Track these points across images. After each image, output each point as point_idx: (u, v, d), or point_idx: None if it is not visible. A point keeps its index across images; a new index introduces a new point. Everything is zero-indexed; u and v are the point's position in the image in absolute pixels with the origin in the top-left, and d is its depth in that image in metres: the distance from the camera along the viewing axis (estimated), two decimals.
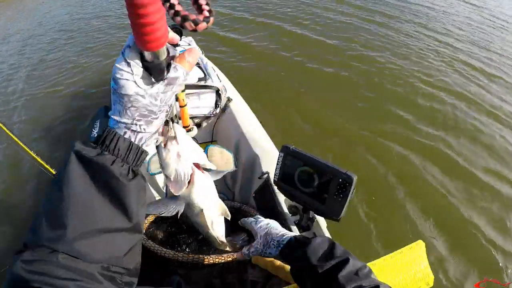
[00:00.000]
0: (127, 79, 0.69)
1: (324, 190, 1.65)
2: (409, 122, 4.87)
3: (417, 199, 3.76)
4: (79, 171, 0.69)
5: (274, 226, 1.34)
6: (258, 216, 1.44)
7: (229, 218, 1.28)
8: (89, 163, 0.70)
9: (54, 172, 2.00)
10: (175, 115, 0.81)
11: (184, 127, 2.94)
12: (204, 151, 2.32)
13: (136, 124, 0.74)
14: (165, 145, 0.94)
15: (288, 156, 1.77)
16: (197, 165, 1.05)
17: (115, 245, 0.73)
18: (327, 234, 1.97)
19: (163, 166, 0.97)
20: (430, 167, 4.16)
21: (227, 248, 1.48)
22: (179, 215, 1.12)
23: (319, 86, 5.51)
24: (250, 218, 1.44)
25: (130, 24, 0.59)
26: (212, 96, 3.07)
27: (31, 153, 1.93)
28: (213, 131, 3.12)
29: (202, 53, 3.83)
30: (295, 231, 1.90)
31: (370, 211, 3.60)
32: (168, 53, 0.71)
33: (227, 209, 1.26)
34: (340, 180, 1.56)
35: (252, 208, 2.12)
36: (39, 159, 1.96)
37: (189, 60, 0.75)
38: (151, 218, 2.17)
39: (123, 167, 0.73)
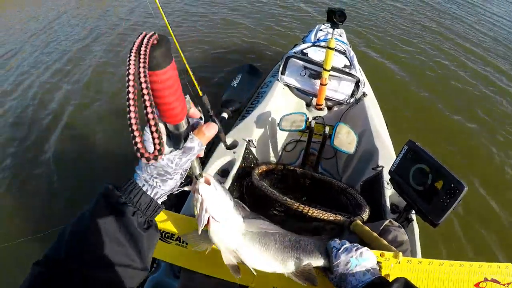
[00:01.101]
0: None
1: (433, 192, 1.70)
2: None
3: None
4: (105, 212, 0.82)
5: (355, 270, 1.24)
6: (345, 241, 1.36)
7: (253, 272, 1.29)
8: (114, 208, 0.83)
9: (201, 94, 2.30)
10: (200, 174, 1.00)
11: (317, 104, 3.14)
12: (334, 128, 2.47)
13: (153, 180, 0.85)
14: (193, 192, 1.06)
15: (411, 151, 1.85)
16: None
17: (125, 278, 0.85)
18: (417, 241, 2.04)
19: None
20: None
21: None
22: (207, 252, 1.27)
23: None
24: (335, 243, 1.36)
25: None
26: (351, 86, 3.20)
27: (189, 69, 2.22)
28: (341, 117, 3.24)
29: (350, 46, 3.97)
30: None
31: (467, 219, 3.64)
32: (188, 124, 0.86)
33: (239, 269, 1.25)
34: (452, 185, 1.61)
35: (356, 192, 2.27)
36: (193, 78, 2.25)
37: (206, 133, 0.87)
38: (264, 168, 2.39)
39: (141, 218, 0.86)
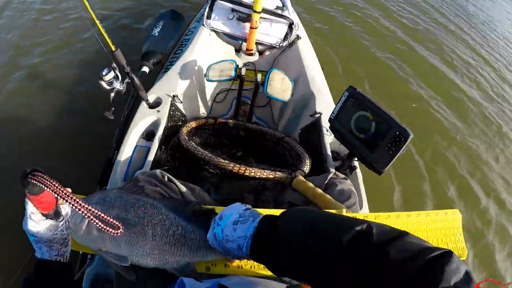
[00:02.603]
0: (42, 231, 1.05)
1: (377, 140, 1.61)
2: None
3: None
4: None
5: (224, 234, 1.03)
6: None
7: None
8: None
9: (113, 48, 1.99)
10: None
11: (247, 49, 2.91)
12: (267, 74, 2.27)
13: (60, 251, 1.10)
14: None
15: (352, 98, 1.72)
16: None
17: None
18: (362, 187, 1.95)
19: None
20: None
21: None
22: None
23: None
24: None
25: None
26: (284, 28, 2.99)
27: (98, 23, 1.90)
28: (274, 62, 3.05)
29: None
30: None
31: (412, 169, 3.71)
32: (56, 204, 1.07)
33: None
34: (398, 133, 1.53)
35: (294, 141, 2.12)
36: (102, 30, 1.93)
37: (64, 196, 0.99)
38: (194, 124, 2.17)
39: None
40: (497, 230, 3.47)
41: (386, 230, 0.79)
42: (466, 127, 4.62)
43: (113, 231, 1.09)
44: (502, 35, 7.98)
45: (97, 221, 1.03)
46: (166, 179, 1.54)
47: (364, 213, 1.56)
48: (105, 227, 1.06)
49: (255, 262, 1.16)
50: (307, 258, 0.83)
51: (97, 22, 1.90)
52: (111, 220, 1.08)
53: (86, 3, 1.89)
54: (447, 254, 0.69)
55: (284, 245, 0.88)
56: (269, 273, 1.03)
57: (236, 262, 1.22)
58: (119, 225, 1.10)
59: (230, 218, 1.04)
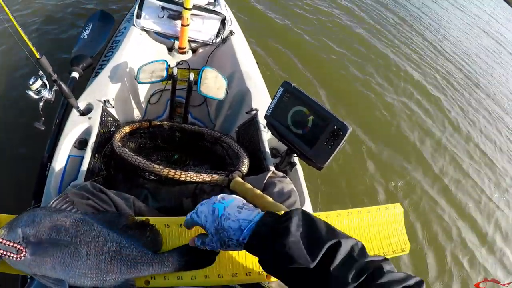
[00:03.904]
0: None
1: (315, 135, 1.60)
2: None
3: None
4: None
5: (226, 212, 1.01)
6: (199, 205, 1.08)
7: None
8: None
9: (38, 56, 1.86)
10: None
11: (179, 48, 2.85)
12: (199, 73, 2.22)
13: None
14: None
15: (287, 93, 1.70)
16: None
17: None
18: (303, 183, 1.95)
19: None
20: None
21: None
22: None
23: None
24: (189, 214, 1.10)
25: None
26: (216, 24, 2.94)
27: (21, 32, 1.76)
28: (208, 59, 3.00)
29: None
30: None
31: (352, 166, 3.78)
32: None
33: None
34: (335, 127, 1.52)
35: (232, 140, 2.10)
36: (25, 37, 1.79)
37: None
38: (128, 129, 2.10)
39: None
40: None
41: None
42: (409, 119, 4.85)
43: (16, 256, 1.01)
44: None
45: None
46: (97, 190, 1.47)
47: None
48: (4, 253, 0.99)
49: (195, 272, 1.17)
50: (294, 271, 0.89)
51: (19, 28, 1.77)
52: (12, 244, 1.01)
53: (5, 7, 1.76)
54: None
55: (281, 247, 0.89)
56: (210, 282, 1.09)
57: (176, 274, 1.17)
58: (22, 248, 1.02)
59: (233, 202, 1.03)
